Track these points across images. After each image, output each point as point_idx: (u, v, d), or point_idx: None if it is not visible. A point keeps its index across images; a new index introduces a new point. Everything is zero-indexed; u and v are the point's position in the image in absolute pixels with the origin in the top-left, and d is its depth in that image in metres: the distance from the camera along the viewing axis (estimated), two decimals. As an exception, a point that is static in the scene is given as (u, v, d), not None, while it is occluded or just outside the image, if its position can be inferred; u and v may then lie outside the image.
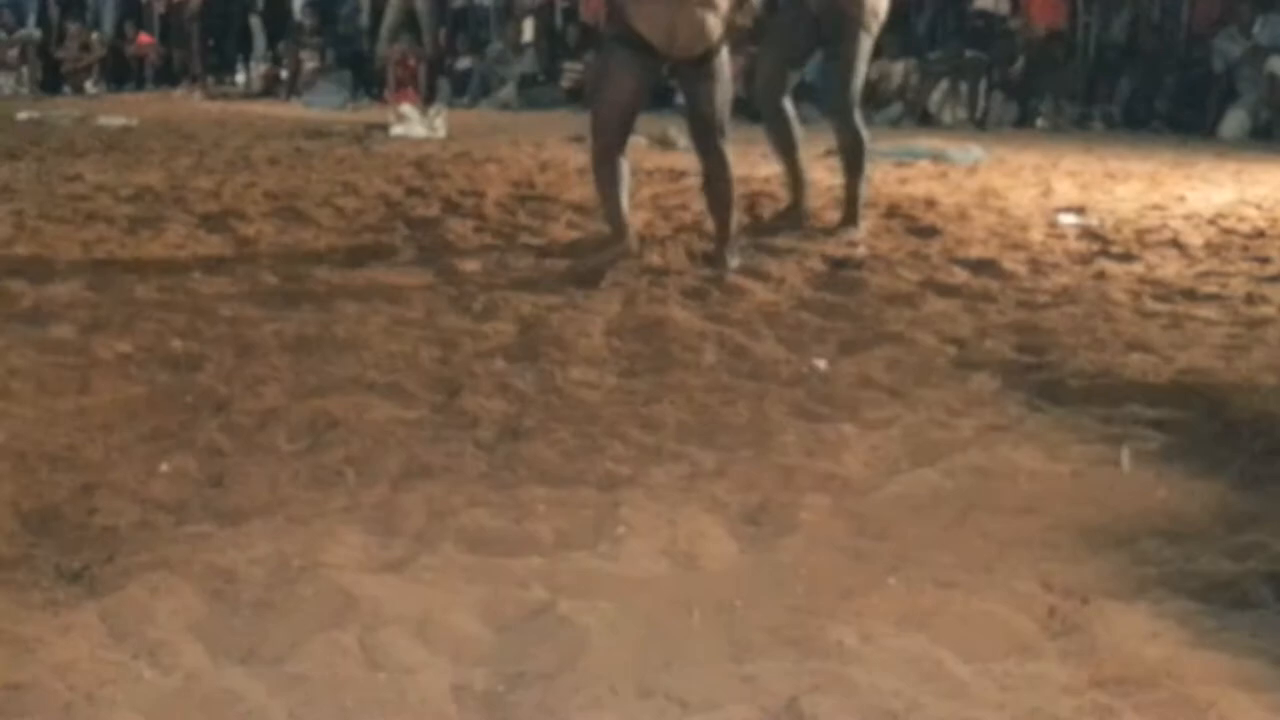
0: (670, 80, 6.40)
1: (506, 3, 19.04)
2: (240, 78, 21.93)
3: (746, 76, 10.32)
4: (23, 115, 14.53)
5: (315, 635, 2.34)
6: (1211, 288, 5.52)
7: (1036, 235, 6.80)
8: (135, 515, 2.95)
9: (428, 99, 16.67)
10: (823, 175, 7.86)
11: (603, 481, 3.17)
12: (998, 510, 3.00)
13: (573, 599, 2.49)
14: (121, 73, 21.70)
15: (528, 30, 18.66)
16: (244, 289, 5.28)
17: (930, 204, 7.81)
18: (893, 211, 7.45)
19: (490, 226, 6.88)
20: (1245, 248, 6.53)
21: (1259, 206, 7.98)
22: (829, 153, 6.96)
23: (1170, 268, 5.99)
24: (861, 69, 6.65)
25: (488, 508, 2.98)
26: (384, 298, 5.11)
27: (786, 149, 6.80)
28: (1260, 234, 6.94)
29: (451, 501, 3.01)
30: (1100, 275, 5.78)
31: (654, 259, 5.96)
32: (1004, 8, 15.65)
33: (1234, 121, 13.58)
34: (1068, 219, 7.34)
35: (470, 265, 5.80)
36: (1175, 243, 6.61)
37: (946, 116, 15.13)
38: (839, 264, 5.96)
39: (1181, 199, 8.34)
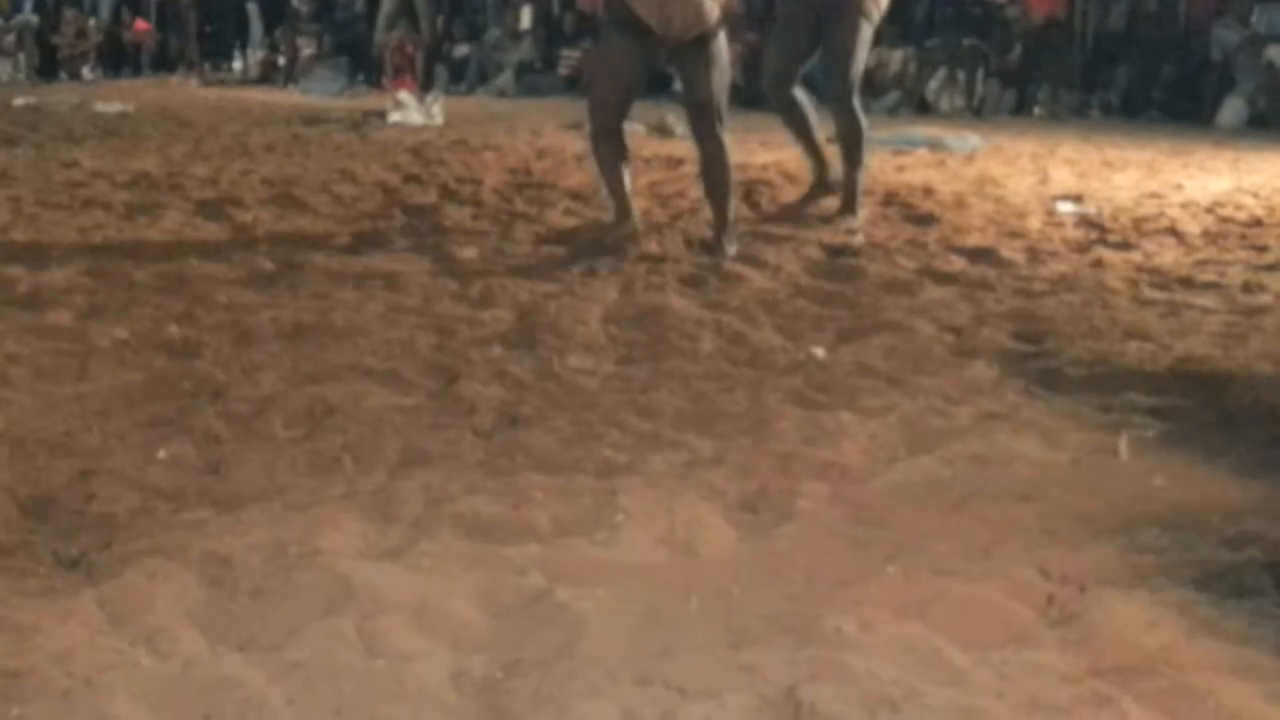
0: (669, 67, 6.41)
1: (504, -10, 19.03)
2: (237, 64, 21.88)
3: (744, 64, 10.33)
4: (20, 101, 14.50)
5: (313, 622, 2.34)
6: (1209, 276, 5.53)
7: (1034, 223, 6.80)
8: (133, 502, 2.94)
9: (425, 86, 16.64)
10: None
11: (600, 469, 3.17)
12: (996, 498, 3.00)
13: (570, 586, 2.49)
14: (118, 59, 21.65)
15: (525, 17, 18.63)
16: (241, 276, 5.27)
17: (928, 192, 7.80)
18: (890, 199, 7.45)
19: (487, 214, 6.87)
20: (1243, 236, 6.53)
21: (1256, 195, 7.98)
22: (828, 140, 6.96)
23: (1168, 256, 6.00)
24: (862, 56, 6.64)
25: (485, 495, 2.98)
26: (381, 285, 5.11)
27: (804, 133, 6.83)
28: (1257, 222, 6.94)
29: (449, 489, 3.01)
30: (1098, 263, 5.78)
31: (652, 247, 5.95)
32: (1002, -4, 15.66)
33: (1231, 110, 13.57)
34: (1065, 207, 7.34)
35: (467, 252, 5.80)
36: (1173, 231, 6.61)
37: (944, 104, 15.12)
38: (837, 252, 5.95)
39: (1179, 187, 8.34)
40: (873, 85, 14.01)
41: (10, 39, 20.85)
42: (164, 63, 21.68)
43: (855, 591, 2.51)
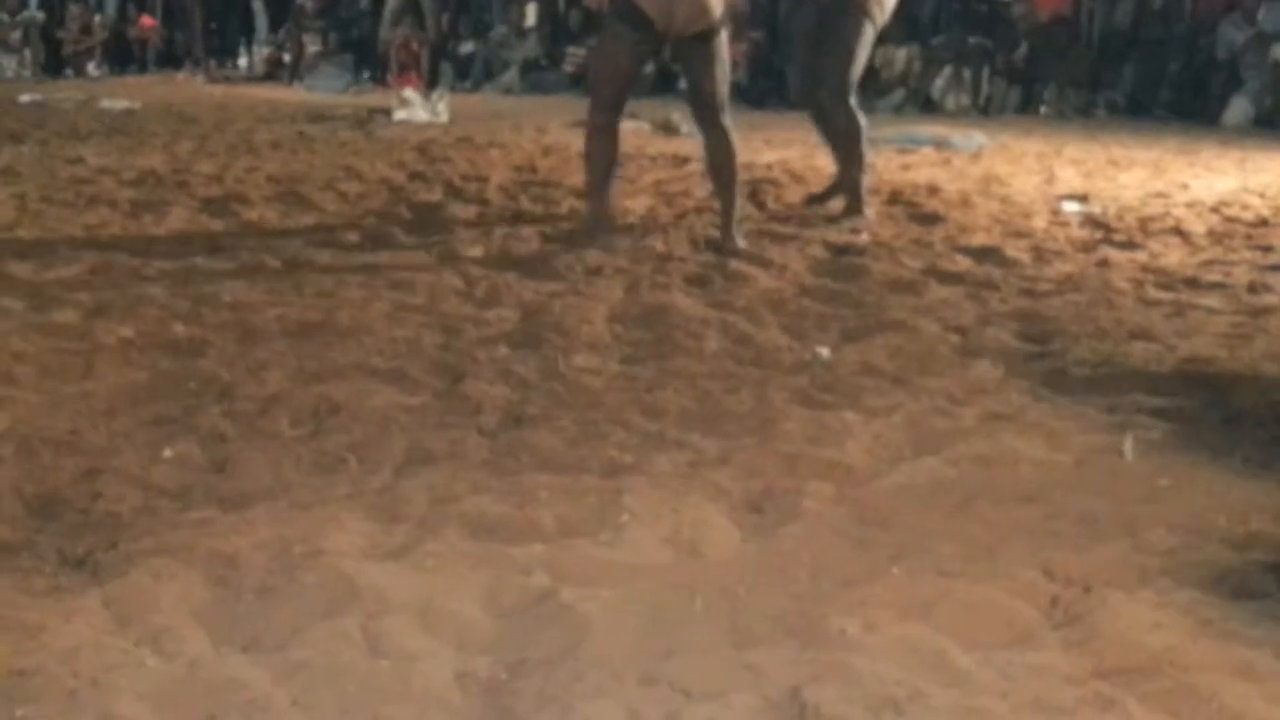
0: (674, 64, 6.44)
1: (509, -13, 19.03)
2: (243, 61, 21.93)
3: (749, 62, 10.36)
4: (25, 98, 14.53)
5: (318, 622, 2.34)
6: (1215, 276, 5.52)
7: (1039, 223, 6.79)
8: (138, 501, 2.95)
9: (430, 83, 16.68)
10: (826, 162, 7.84)
11: (605, 469, 3.17)
12: (1000, 499, 3.00)
13: (575, 586, 2.49)
14: (124, 56, 21.70)
15: (530, 15, 18.65)
16: (246, 274, 5.28)
17: (933, 191, 7.80)
18: (895, 198, 7.45)
19: (493, 211, 6.88)
20: (1248, 236, 6.52)
21: (1262, 194, 7.98)
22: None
23: (1173, 256, 5.99)
24: (860, 57, 6.63)
25: (490, 494, 2.98)
26: (387, 283, 5.11)
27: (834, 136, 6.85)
28: (1263, 222, 6.94)
29: (454, 488, 3.01)
30: (1103, 263, 5.78)
31: (657, 245, 5.95)
32: (1008, -7, 15.66)
33: (1238, 109, 13.56)
34: (1071, 206, 7.33)
35: (473, 250, 5.80)
36: (1178, 231, 6.61)
37: (950, 103, 15.12)
38: (841, 251, 5.95)
39: (1185, 187, 8.33)
40: (878, 83, 14.03)
41: (16, 35, 20.87)
42: (169, 59, 21.73)
43: (860, 592, 2.51)
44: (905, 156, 9.66)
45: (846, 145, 6.72)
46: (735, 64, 5.96)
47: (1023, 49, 15.19)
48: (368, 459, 3.22)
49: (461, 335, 4.40)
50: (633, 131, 10.51)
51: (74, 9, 21.38)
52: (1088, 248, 6.15)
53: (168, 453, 3.25)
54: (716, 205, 6.09)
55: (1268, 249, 6.16)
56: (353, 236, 6.11)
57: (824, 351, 4.26)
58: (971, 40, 15.26)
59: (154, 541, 2.69)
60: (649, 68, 10.27)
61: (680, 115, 9.85)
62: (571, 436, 3.40)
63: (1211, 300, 5.06)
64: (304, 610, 2.39)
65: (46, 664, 2.18)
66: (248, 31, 22.02)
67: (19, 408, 3.58)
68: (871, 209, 6.81)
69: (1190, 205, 7.47)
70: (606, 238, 5.72)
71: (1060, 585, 2.53)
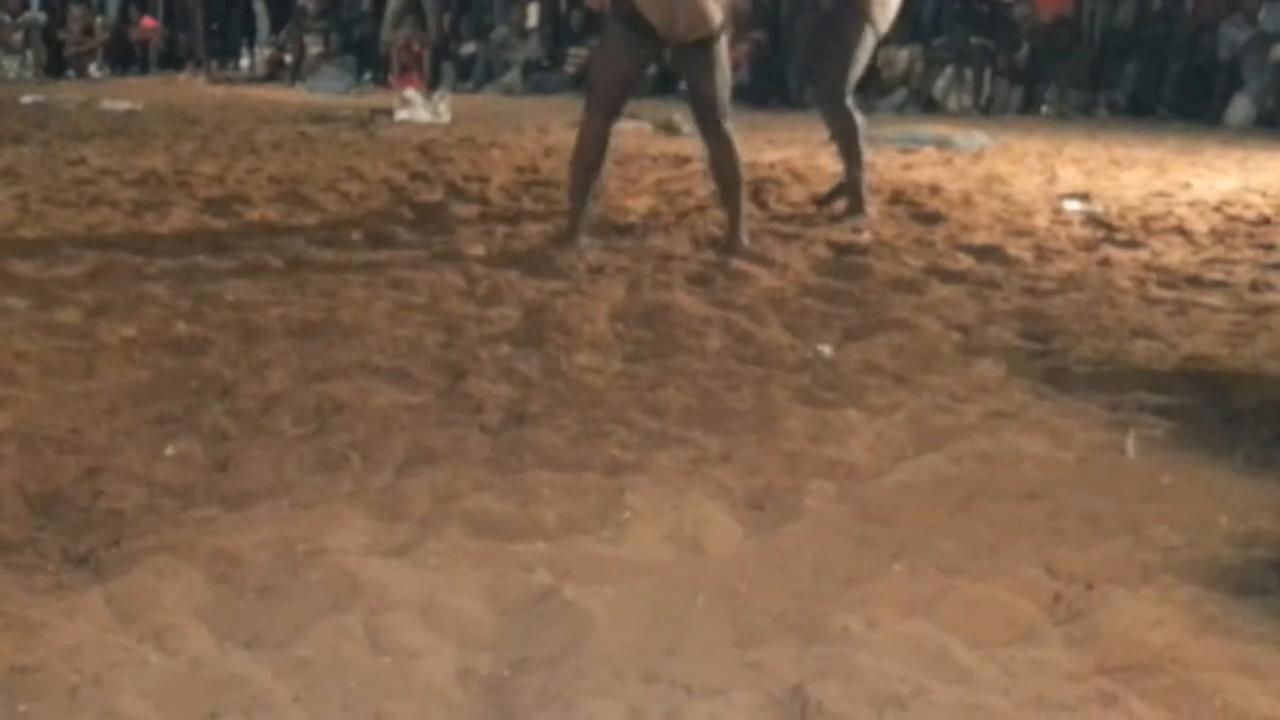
0: (674, 68, 6.43)
1: (511, -13, 19.04)
2: (244, 62, 21.94)
3: (752, 63, 10.35)
4: (27, 99, 14.54)
5: (320, 619, 2.34)
6: (1217, 275, 5.52)
7: (1041, 222, 6.79)
8: (141, 499, 2.95)
9: (432, 84, 16.69)
10: (829, 161, 7.85)
11: (607, 467, 3.17)
12: (1002, 496, 3.00)
13: (577, 584, 2.49)
14: (126, 56, 21.71)
15: (532, 15, 18.65)
16: (249, 273, 5.28)
17: (935, 190, 7.80)
18: (897, 198, 7.45)
19: (494, 211, 6.88)
20: (1250, 235, 6.52)
21: (1264, 194, 7.98)
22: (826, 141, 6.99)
23: (1175, 255, 5.99)
24: (860, 60, 6.64)
25: (492, 492, 2.98)
26: (388, 282, 5.11)
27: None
28: (1265, 221, 6.94)
29: (456, 486, 3.01)
30: (1105, 262, 5.78)
31: (659, 244, 5.95)
32: (1009, -7, 15.66)
33: (1239, 108, 13.56)
34: (1073, 205, 7.33)
35: (474, 250, 5.80)
36: (1180, 230, 6.61)
37: (951, 103, 15.12)
38: (844, 250, 5.95)
39: (1187, 186, 8.33)
40: (880, 83, 14.03)
41: (18, 36, 20.89)
42: (171, 60, 21.75)
43: (862, 589, 2.51)
44: (907, 156, 9.66)
45: (845, 145, 6.73)
46: (737, 65, 5.95)
47: (1024, 49, 15.19)
48: (370, 457, 3.23)
49: (463, 334, 4.40)
50: (634, 131, 10.54)
51: (76, 10, 21.40)
52: (1089, 246, 6.15)
53: (170, 451, 3.25)
54: (719, 206, 6.09)
55: (1269, 248, 6.16)
56: (355, 236, 6.11)
57: (826, 350, 4.26)
58: (973, 40, 15.26)
59: (156, 539, 2.69)
60: (650, 69, 10.28)
61: (682, 116, 9.85)
62: (573, 434, 3.40)
63: (1213, 298, 5.06)
64: (306, 608, 2.39)
65: (49, 661, 2.18)
66: (249, 32, 22.03)
67: (21, 406, 3.58)
68: (873, 208, 6.81)
69: (1192, 204, 7.47)
70: (572, 247, 5.69)
71: (1062, 582, 2.53)
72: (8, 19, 21.00)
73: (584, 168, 5.78)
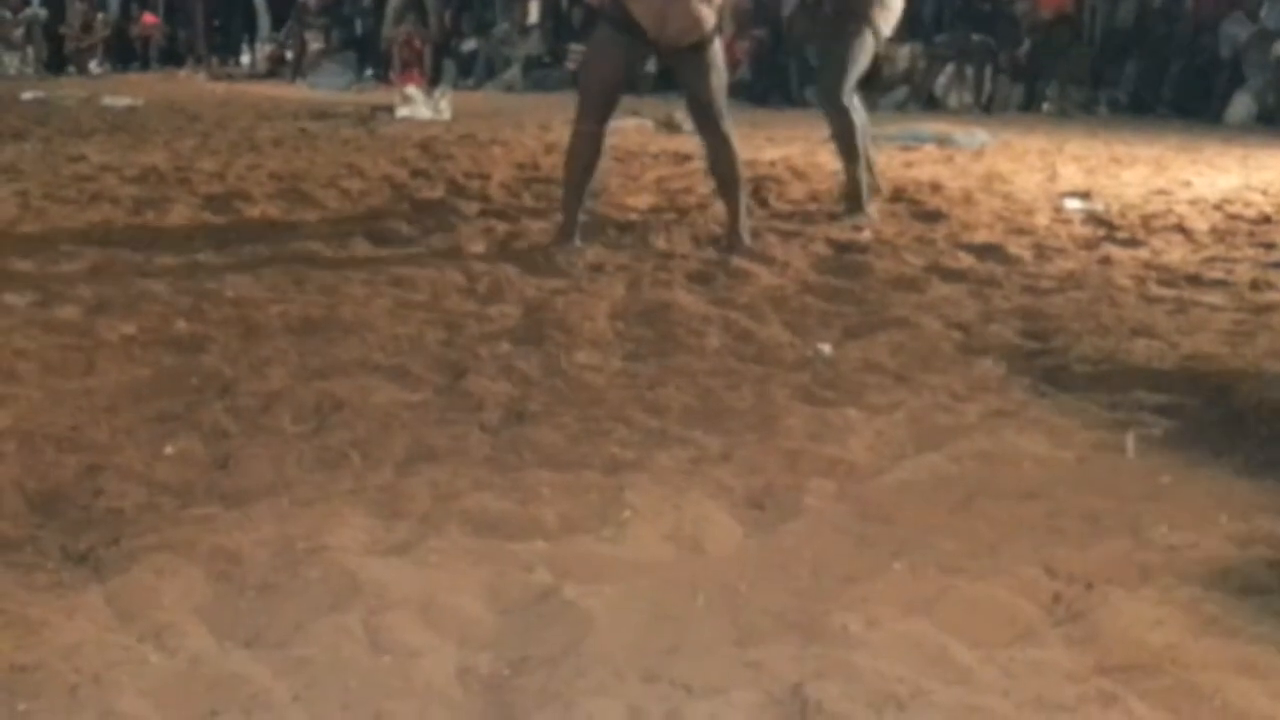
0: (671, 71, 6.43)
1: (512, -16, 19.04)
2: (245, 58, 21.93)
3: (752, 60, 10.34)
4: (27, 95, 14.54)
5: (320, 618, 2.34)
6: (1217, 273, 5.52)
7: (1042, 220, 6.79)
8: (141, 497, 2.95)
9: (433, 80, 16.68)
10: (828, 159, 7.85)
11: (607, 465, 3.17)
12: (1002, 495, 3.00)
13: (577, 583, 2.49)
14: (126, 53, 21.72)
15: (533, 12, 18.65)
16: (249, 270, 5.28)
17: (935, 188, 7.80)
18: (898, 196, 7.45)
19: (495, 209, 6.88)
20: (1251, 233, 6.52)
21: (1265, 192, 7.97)
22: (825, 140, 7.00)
23: (1176, 253, 5.99)
24: (860, 62, 6.63)
25: (492, 491, 2.98)
26: (389, 280, 5.11)
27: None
28: (1266, 219, 6.93)
29: (456, 485, 3.01)
30: (1105, 260, 5.77)
31: (659, 242, 5.95)
32: (1010, -9, 15.65)
33: (1240, 106, 13.55)
34: (1073, 204, 7.33)
35: (475, 247, 5.81)
36: (1181, 228, 6.60)
37: (952, 100, 15.11)
38: (844, 248, 5.95)
39: (1187, 184, 8.33)
40: (880, 81, 14.02)
41: (18, 33, 20.88)
42: (172, 57, 21.75)
43: (862, 589, 2.50)
44: (908, 154, 9.66)
45: (843, 143, 6.72)
46: (738, 62, 5.95)
47: (1025, 46, 15.18)
48: (370, 455, 3.22)
49: (463, 332, 4.40)
50: (636, 129, 10.55)
51: (77, 6, 21.39)
52: (1090, 245, 6.15)
53: (170, 449, 3.25)
54: (720, 205, 6.09)
55: (1270, 246, 6.16)
56: (355, 233, 6.10)
57: (826, 348, 4.26)
58: (974, 38, 15.25)
59: (156, 538, 2.69)
60: (651, 66, 10.27)
61: (683, 114, 9.85)
62: (573, 433, 3.40)
63: (1214, 297, 5.06)
64: (306, 606, 2.39)
65: (48, 660, 2.18)
66: (250, 29, 22.02)
67: (21, 404, 3.58)
68: (873, 206, 6.80)
69: (1193, 202, 7.46)
70: (569, 249, 5.68)
71: (1062, 582, 2.53)
72: (9, 15, 21.00)
73: (579, 167, 5.78)
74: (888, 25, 6.64)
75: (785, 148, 9.75)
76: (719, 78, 5.70)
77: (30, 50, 20.82)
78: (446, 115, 12.69)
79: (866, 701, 2.08)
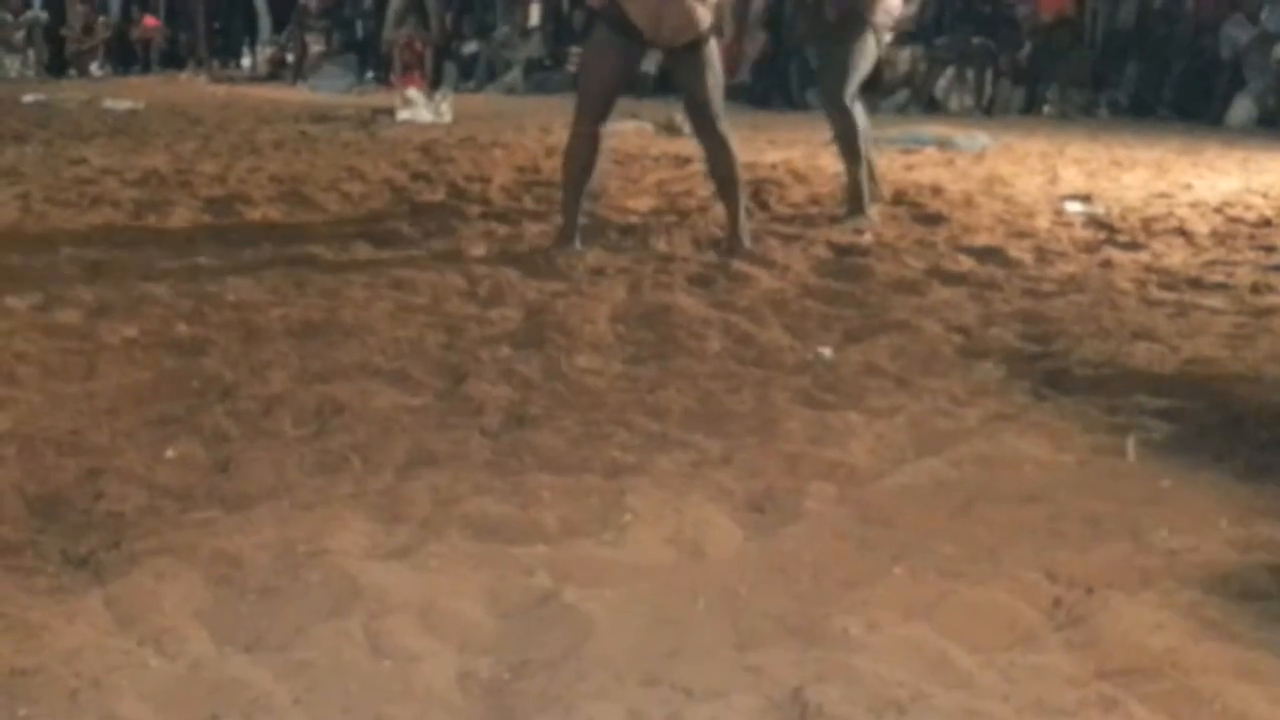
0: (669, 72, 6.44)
1: (513, -13, 19.04)
2: (246, 61, 21.95)
3: (754, 63, 10.32)
4: (28, 98, 14.54)
5: (320, 622, 2.34)
6: (1218, 276, 5.52)
7: (1043, 223, 6.79)
8: (141, 501, 2.95)
9: (434, 83, 16.69)
10: (829, 162, 7.86)
11: (608, 469, 3.17)
12: (1003, 499, 3.00)
13: (578, 587, 2.49)
14: (127, 56, 21.72)
15: (534, 14, 18.66)
16: (249, 273, 5.28)
17: (936, 191, 7.80)
18: (899, 198, 7.45)
19: (496, 211, 6.88)
20: (1252, 236, 6.52)
21: (1265, 195, 7.97)
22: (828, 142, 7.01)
23: (1176, 256, 5.99)
24: (861, 67, 6.63)
25: (493, 495, 2.98)
26: (390, 283, 5.11)
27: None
28: (1267, 223, 6.93)
29: (457, 489, 3.01)
30: (1106, 264, 5.77)
31: (660, 245, 5.95)
32: (1011, -6, 15.66)
33: (1241, 109, 13.55)
34: (1074, 207, 7.33)
35: (476, 250, 5.81)
36: (1181, 231, 6.60)
37: (953, 103, 15.12)
38: (845, 251, 5.95)
39: (1188, 187, 8.33)
40: (881, 84, 14.02)
41: (19, 35, 20.89)
42: (173, 59, 21.76)
43: (862, 592, 2.51)
44: (909, 157, 9.66)
45: (845, 144, 6.73)
46: (735, 66, 5.97)
47: (1026, 49, 15.19)
48: (370, 459, 3.22)
49: (464, 335, 4.40)
50: (636, 131, 10.55)
51: (78, 9, 21.39)
52: (1091, 248, 6.15)
53: (170, 453, 3.25)
54: (720, 208, 6.09)
55: (1271, 249, 6.16)
56: (356, 236, 6.10)
57: (826, 352, 4.26)
58: (975, 40, 15.26)
59: (157, 541, 2.69)
60: (652, 68, 10.28)
61: (683, 117, 9.86)
62: (574, 437, 3.40)
63: (1214, 301, 5.06)
64: (307, 610, 2.39)
65: (48, 664, 2.18)
66: (251, 31, 22.04)
67: (22, 407, 3.58)
68: (874, 209, 6.80)
69: (1193, 205, 7.46)
70: (569, 253, 5.69)
71: (1063, 586, 2.53)
72: (9, 17, 21.01)
73: (577, 168, 5.79)
74: (887, 27, 6.64)
75: (786, 151, 9.76)
76: (715, 78, 5.70)
77: (31, 53, 20.83)
78: (447, 118, 12.69)
79: (867, 705, 2.08)
